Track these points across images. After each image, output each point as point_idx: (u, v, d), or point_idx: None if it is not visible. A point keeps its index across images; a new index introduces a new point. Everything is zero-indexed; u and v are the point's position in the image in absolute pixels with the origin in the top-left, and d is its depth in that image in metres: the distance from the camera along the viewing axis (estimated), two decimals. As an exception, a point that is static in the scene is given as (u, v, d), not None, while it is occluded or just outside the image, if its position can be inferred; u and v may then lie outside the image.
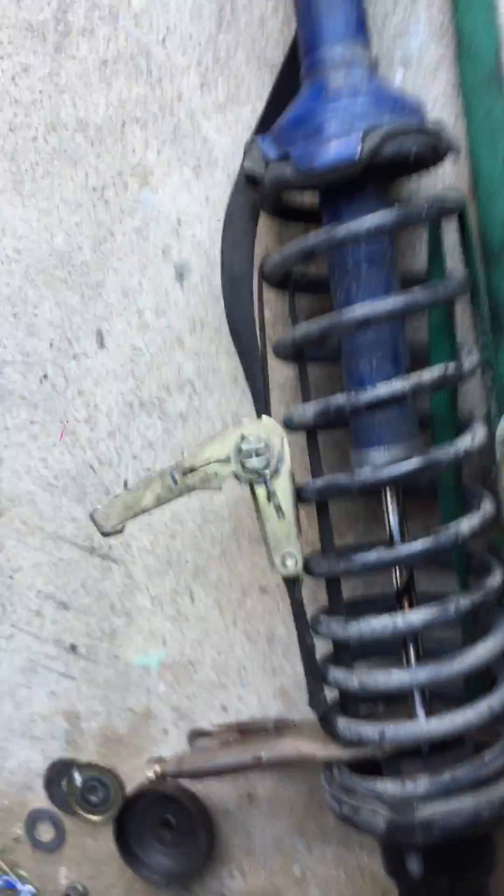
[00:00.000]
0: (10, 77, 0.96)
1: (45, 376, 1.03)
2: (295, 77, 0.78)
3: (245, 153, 0.75)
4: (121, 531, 0.78)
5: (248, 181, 0.75)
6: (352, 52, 0.72)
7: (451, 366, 0.72)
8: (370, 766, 0.80)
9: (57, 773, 1.14)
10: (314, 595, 0.94)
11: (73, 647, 1.09)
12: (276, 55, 0.85)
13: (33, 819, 1.17)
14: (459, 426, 0.79)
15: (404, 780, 0.75)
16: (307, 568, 0.79)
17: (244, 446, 0.76)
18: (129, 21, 0.90)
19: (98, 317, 0.99)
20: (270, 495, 0.76)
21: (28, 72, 0.95)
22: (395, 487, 0.79)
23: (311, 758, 0.84)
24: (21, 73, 0.95)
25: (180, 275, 0.95)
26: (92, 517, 0.78)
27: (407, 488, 0.82)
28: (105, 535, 0.78)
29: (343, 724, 0.79)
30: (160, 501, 0.77)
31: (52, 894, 1.19)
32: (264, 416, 0.77)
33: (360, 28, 0.73)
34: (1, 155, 0.98)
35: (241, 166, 0.76)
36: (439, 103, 0.82)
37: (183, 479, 0.77)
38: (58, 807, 1.15)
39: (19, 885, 1.19)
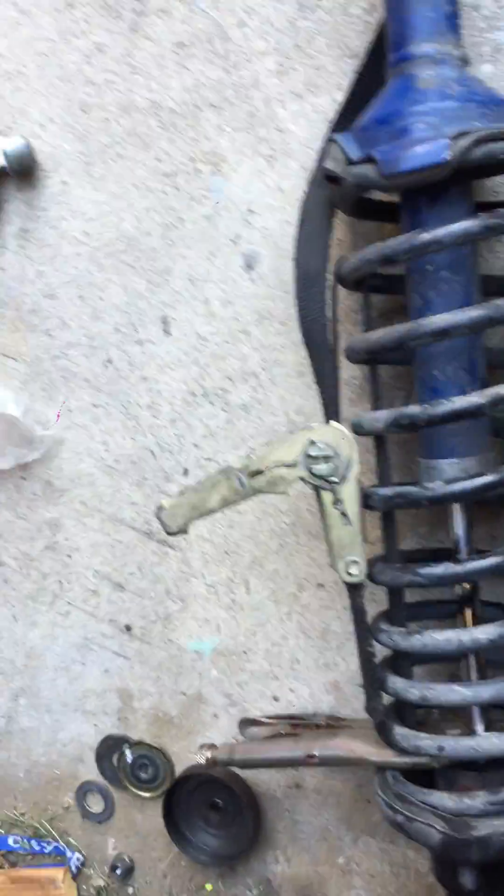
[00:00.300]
0: (84, 56, 0.94)
1: (110, 360, 1.02)
2: (378, 69, 0.75)
3: (325, 151, 0.73)
4: (186, 531, 0.78)
5: (327, 180, 0.72)
6: (442, 49, 0.69)
7: (532, 379, 0.70)
8: (423, 774, 0.80)
9: (108, 749, 1.16)
10: (372, 594, 0.93)
11: (128, 628, 1.10)
12: (359, 44, 0.82)
13: (84, 790, 1.19)
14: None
15: (461, 795, 0.75)
16: (371, 576, 0.78)
17: (312, 451, 0.75)
18: (207, 2, 0.87)
19: (164, 303, 0.98)
20: (337, 501, 0.75)
21: (102, 51, 0.93)
22: (465, 501, 0.77)
23: (364, 761, 0.84)
24: (95, 53, 0.93)
25: (249, 265, 0.93)
26: (158, 517, 0.78)
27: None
28: (171, 534, 0.77)
29: (400, 733, 0.78)
30: (226, 503, 0.77)
31: (100, 863, 1.21)
32: (333, 422, 0.76)
33: (451, 23, 0.70)
34: (72, 136, 0.96)
35: (319, 164, 0.73)
36: (530, 99, 0.78)
37: (250, 482, 0.76)
38: (108, 780, 1.17)
39: (68, 852, 1.22)
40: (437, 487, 0.71)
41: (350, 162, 0.70)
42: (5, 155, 0.96)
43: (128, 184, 0.95)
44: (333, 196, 0.75)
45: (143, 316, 0.99)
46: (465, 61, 0.71)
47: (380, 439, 0.77)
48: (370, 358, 0.77)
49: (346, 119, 0.78)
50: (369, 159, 0.68)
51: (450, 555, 0.79)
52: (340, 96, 0.81)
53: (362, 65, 0.79)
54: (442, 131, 0.65)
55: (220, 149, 0.91)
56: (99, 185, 0.97)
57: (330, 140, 0.72)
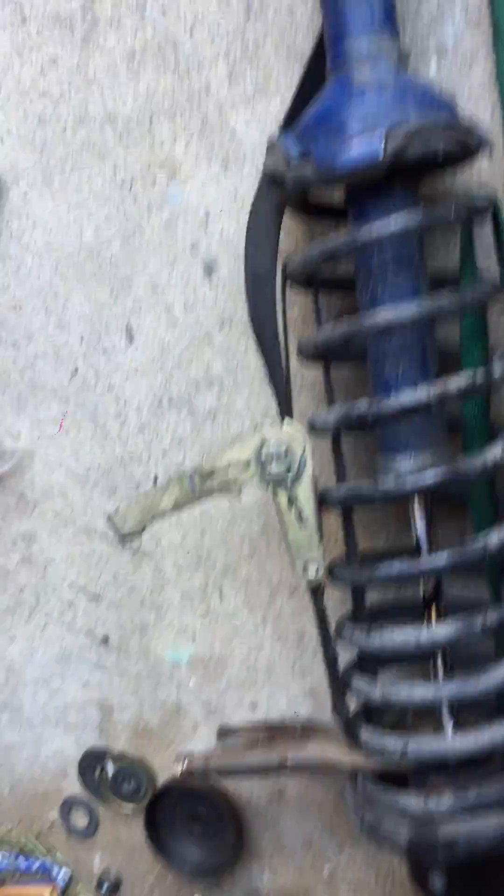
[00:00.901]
0: (38, 69, 0.94)
1: (76, 370, 1.02)
2: (323, 69, 0.75)
3: (267, 151, 0.73)
4: (139, 534, 0.78)
5: (270, 180, 0.73)
6: (379, 45, 0.69)
7: (480, 372, 0.69)
8: (398, 777, 0.79)
9: (90, 762, 1.15)
10: (345, 598, 0.93)
11: (106, 639, 1.10)
12: (306, 45, 0.82)
13: (68, 805, 1.18)
14: (494, 434, 0.76)
15: (427, 796, 0.74)
16: (330, 575, 0.78)
17: (265, 451, 0.74)
18: (157, 11, 0.88)
19: (127, 312, 0.98)
20: (291, 501, 0.75)
21: (56, 64, 0.93)
22: (423, 496, 0.76)
23: (336, 764, 0.83)
24: (49, 66, 0.94)
25: (209, 270, 0.93)
26: (110, 520, 0.77)
27: (438, 494, 0.79)
28: (123, 537, 0.77)
29: (366, 733, 0.77)
30: (178, 505, 0.76)
31: (87, 879, 1.20)
32: (286, 421, 0.75)
33: (388, 19, 0.70)
34: (31, 148, 0.97)
35: (263, 164, 0.74)
36: (475, 95, 0.78)
37: (202, 484, 0.76)
38: (91, 794, 1.16)
39: (55, 869, 1.21)
40: (389, 482, 0.71)
41: (290, 161, 0.70)
42: (-33, 170, 0.96)
43: (87, 194, 0.96)
44: (280, 196, 0.75)
45: (107, 325, 0.99)
46: (405, 58, 0.71)
47: (335, 437, 0.77)
48: (321, 355, 0.77)
49: (294, 120, 0.77)
50: (307, 156, 0.68)
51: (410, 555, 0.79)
52: (290, 98, 0.81)
53: (307, 66, 0.79)
54: (378, 124, 0.65)
55: (175, 156, 0.91)
56: (59, 197, 0.97)
57: (271, 140, 0.72)
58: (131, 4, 0.89)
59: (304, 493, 0.74)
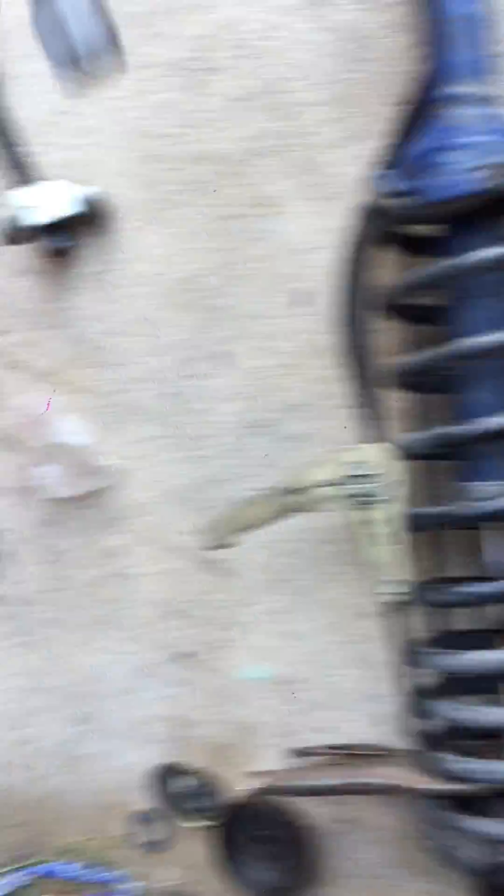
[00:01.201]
0: (154, 111, 1.01)
1: (171, 394, 1.07)
2: (422, 112, 0.79)
3: (371, 186, 0.77)
4: (227, 546, 0.81)
5: (374, 213, 0.77)
6: (480, 90, 0.73)
7: None
8: (468, 802, 0.79)
9: (163, 777, 1.17)
10: (421, 624, 0.94)
11: (186, 655, 1.13)
12: (405, 90, 0.86)
13: (143, 819, 1.20)
14: None
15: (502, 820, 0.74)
16: (415, 596, 0.79)
17: (352, 471, 0.77)
18: (268, 59, 0.94)
19: (222, 339, 1.03)
20: (375, 521, 0.77)
21: (170, 106, 1.00)
22: (509, 520, 0.78)
23: (408, 788, 0.84)
24: (164, 108, 1.01)
25: (303, 301, 0.97)
26: (202, 530, 0.81)
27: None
28: (211, 549, 0.81)
29: (439, 758, 0.78)
30: (266, 520, 0.80)
31: (160, 893, 1.21)
32: (374, 443, 0.78)
33: (489, 66, 0.74)
34: (142, 185, 1.03)
35: (367, 199, 0.78)
36: None
37: (289, 500, 0.79)
38: (166, 809, 1.18)
39: (128, 882, 1.23)
40: (484, 505, 0.73)
41: (395, 195, 0.74)
42: (84, 203, 1.04)
43: (193, 228, 1.02)
44: (377, 230, 0.79)
45: (202, 351, 1.04)
46: (500, 101, 0.75)
47: (423, 461, 0.79)
48: (411, 382, 0.80)
49: (393, 160, 0.82)
50: (412, 191, 0.72)
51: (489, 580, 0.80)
52: (389, 139, 0.86)
53: (407, 109, 0.84)
54: (480, 163, 0.69)
55: (276, 193, 0.96)
56: (164, 230, 1.03)
57: (376, 176, 0.76)
58: (244, 52, 0.95)
59: (391, 514, 0.77)
